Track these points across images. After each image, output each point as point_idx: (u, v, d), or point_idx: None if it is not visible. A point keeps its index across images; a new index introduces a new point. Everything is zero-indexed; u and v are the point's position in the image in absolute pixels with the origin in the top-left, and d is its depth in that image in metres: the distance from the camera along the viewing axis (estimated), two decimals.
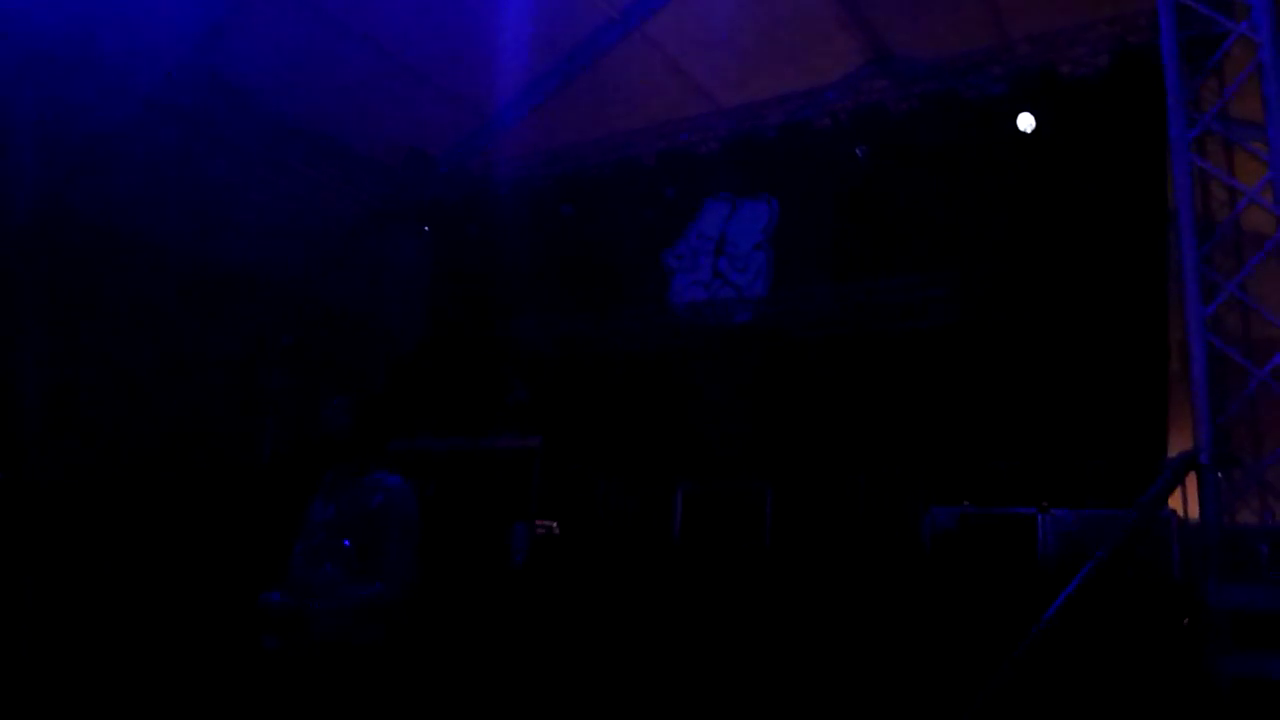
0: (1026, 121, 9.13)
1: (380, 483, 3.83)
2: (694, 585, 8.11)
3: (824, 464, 9.32)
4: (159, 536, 8.60)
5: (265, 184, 11.16)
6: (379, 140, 12.01)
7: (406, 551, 3.73)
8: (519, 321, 12.12)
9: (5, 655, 5.84)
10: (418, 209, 12.93)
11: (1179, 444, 7.27)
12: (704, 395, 10.32)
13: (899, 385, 9.28)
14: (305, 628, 3.56)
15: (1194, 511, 6.42)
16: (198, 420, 11.08)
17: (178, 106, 10.07)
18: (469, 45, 10.41)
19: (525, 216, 12.27)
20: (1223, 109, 6.33)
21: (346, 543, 3.71)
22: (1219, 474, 5.89)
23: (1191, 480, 6.20)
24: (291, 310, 11.48)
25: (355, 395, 3.97)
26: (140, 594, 7.32)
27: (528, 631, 7.15)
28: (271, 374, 9.31)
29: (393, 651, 3.66)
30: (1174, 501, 6.94)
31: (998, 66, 9.42)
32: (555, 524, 9.16)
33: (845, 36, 9.90)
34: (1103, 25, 8.97)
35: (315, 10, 9.79)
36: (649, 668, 6.46)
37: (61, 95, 9.31)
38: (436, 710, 5.38)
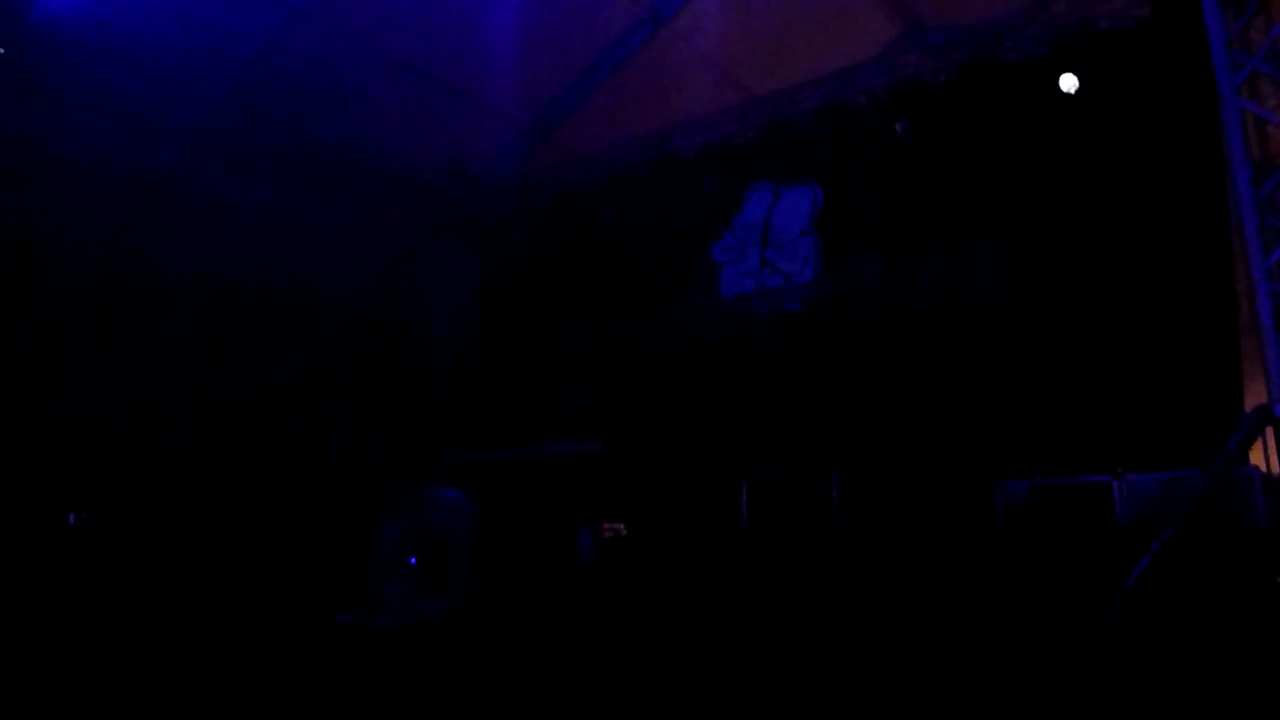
0: (1069, 82, 8.91)
1: (438, 499, 3.89)
2: (766, 574, 8.05)
3: (888, 445, 9.21)
4: (239, 560, 8.79)
5: (313, 212, 11.37)
6: (421, 159, 12.16)
7: (466, 565, 3.78)
8: (571, 326, 12.18)
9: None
10: (463, 223, 13.08)
11: (1257, 398, 7.05)
12: (761, 385, 10.27)
13: (958, 360, 9.14)
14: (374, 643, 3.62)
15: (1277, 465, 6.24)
16: (268, 446, 11.34)
17: (221, 143, 10.30)
18: (501, 60, 10.50)
19: (569, 222, 12.36)
20: (1271, 48, 6.12)
21: (413, 560, 3.77)
22: None
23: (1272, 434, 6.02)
24: (348, 333, 11.67)
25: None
26: (224, 615, 7.49)
27: (601, 634, 7.17)
28: (334, 397, 9.49)
29: (464, 660, 3.70)
30: (1257, 456, 6.74)
31: (1034, 28, 9.22)
32: (622, 526, 9.16)
33: (875, 12, 9.77)
34: None
35: (346, 38, 9.95)
36: (726, 657, 6.44)
37: (109, 142, 9.57)
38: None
